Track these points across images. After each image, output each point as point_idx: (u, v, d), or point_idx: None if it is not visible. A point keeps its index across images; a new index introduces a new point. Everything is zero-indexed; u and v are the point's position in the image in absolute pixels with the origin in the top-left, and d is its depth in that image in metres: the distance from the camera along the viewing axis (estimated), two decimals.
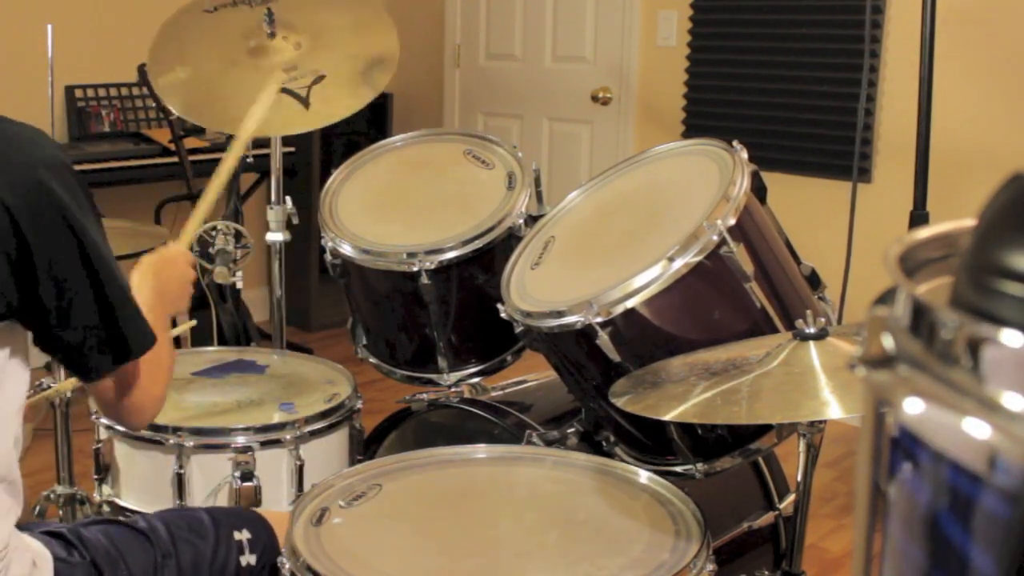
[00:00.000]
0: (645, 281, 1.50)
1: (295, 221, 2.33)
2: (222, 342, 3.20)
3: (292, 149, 3.84)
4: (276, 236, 2.33)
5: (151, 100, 3.78)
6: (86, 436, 1.93)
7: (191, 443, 1.72)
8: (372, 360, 2.12)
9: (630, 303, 1.50)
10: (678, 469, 1.63)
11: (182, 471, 1.72)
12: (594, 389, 1.64)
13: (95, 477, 1.86)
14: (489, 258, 1.89)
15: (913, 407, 0.47)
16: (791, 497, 1.87)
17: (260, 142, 2.97)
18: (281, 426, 1.77)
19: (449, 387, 2.02)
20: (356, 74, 2.12)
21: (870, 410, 0.51)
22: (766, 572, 1.76)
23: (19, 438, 1.25)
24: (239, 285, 2.23)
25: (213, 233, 2.19)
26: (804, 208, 3.44)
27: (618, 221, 1.73)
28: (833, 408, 1.18)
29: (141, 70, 3.34)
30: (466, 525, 1.39)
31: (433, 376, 2.03)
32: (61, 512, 2.03)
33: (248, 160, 3.18)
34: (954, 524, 0.47)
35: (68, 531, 1.33)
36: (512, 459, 1.59)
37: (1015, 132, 3.12)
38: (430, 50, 4.71)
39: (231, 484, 1.73)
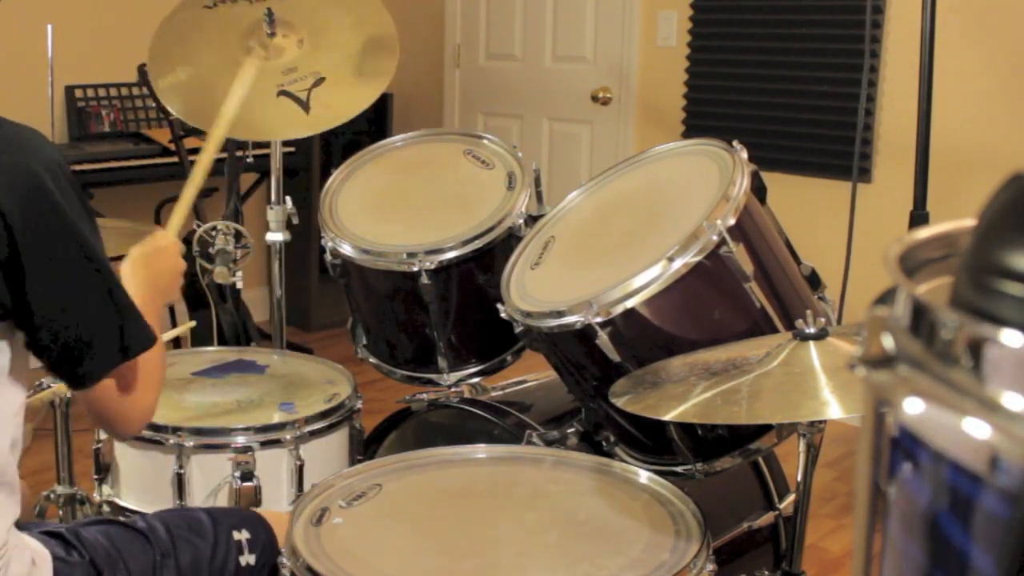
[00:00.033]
0: (645, 281, 1.50)
1: (295, 221, 2.33)
2: (222, 342, 3.20)
3: (292, 149, 3.84)
4: (276, 236, 2.32)
5: (151, 100, 3.78)
6: (86, 436, 1.93)
7: (191, 443, 1.72)
8: (372, 360, 2.12)
9: (630, 303, 1.50)
10: (678, 469, 1.63)
11: (182, 471, 1.72)
12: (594, 389, 1.64)
13: (95, 477, 1.86)
14: (489, 258, 1.89)
15: (913, 407, 0.47)
16: (791, 497, 1.87)
17: (260, 142, 2.98)
18: (281, 426, 1.77)
19: (449, 387, 2.02)
20: (356, 73, 2.12)
21: (870, 410, 0.51)
22: (766, 572, 1.76)
23: (17, 440, 1.25)
24: (239, 285, 2.23)
25: (213, 233, 2.19)
26: (804, 208, 3.44)
27: (618, 221, 1.73)
28: (833, 408, 1.18)
29: (141, 70, 3.34)
30: (466, 525, 1.39)
31: (433, 376, 2.03)
32: (61, 512, 2.03)
33: (248, 160, 3.19)
34: (954, 524, 0.47)
35: (67, 531, 1.33)
36: (512, 459, 1.59)
37: (1015, 132, 3.12)
38: (430, 50, 4.71)
39: (231, 484, 1.73)
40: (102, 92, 3.81)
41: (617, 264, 1.59)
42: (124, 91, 3.86)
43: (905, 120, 2.88)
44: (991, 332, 0.44)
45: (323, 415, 1.82)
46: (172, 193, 3.64)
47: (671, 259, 1.49)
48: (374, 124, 4.40)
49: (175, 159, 3.48)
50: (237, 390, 1.94)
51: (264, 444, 1.75)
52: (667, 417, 1.29)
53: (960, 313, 0.48)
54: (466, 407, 1.93)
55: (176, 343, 3.66)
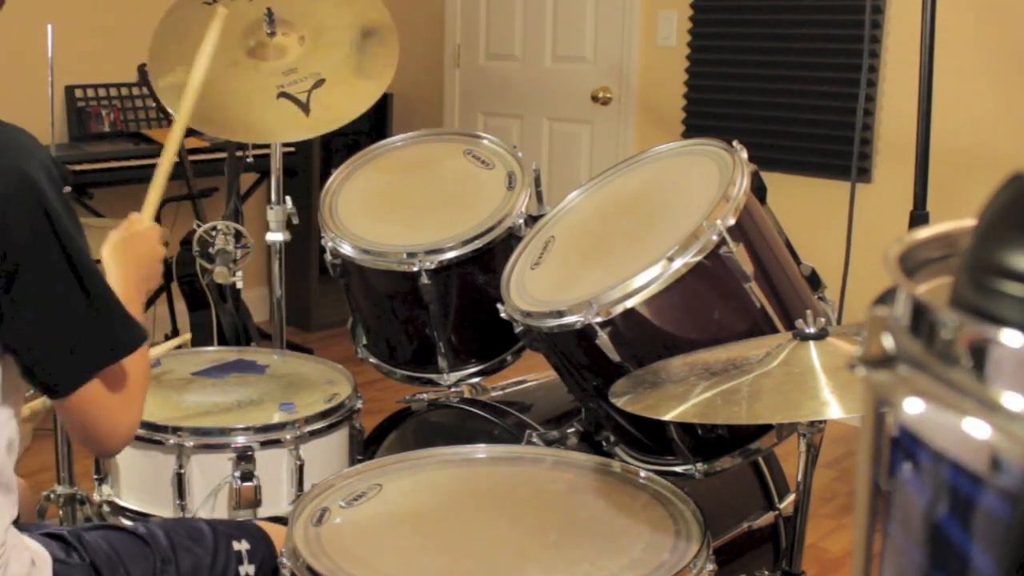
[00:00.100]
0: (645, 281, 1.50)
1: (295, 221, 2.33)
2: (222, 342, 3.20)
3: (292, 149, 3.84)
4: (276, 236, 2.33)
5: (151, 100, 3.78)
6: None
7: (191, 443, 1.72)
8: (372, 360, 2.12)
9: (630, 303, 1.50)
10: (678, 469, 1.63)
11: (182, 471, 1.72)
12: (594, 389, 1.64)
13: (95, 477, 1.86)
14: (489, 258, 1.89)
15: (913, 407, 0.47)
16: (791, 497, 1.87)
17: (260, 143, 2.98)
18: (281, 426, 1.77)
19: (449, 387, 2.02)
20: (356, 72, 2.11)
21: (870, 410, 0.51)
22: (766, 572, 1.76)
23: (14, 441, 1.24)
24: (239, 285, 2.23)
25: (213, 233, 2.20)
26: (804, 208, 3.44)
27: (618, 221, 1.73)
28: (833, 408, 1.18)
29: (141, 70, 3.34)
30: (466, 525, 1.39)
31: (433, 376, 2.03)
32: (61, 512, 2.03)
33: (248, 160, 3.19)
34: (954, 524, 0.47)
35: (68, 533, 1.33)
36: (512, 459, 1.59)
37: (1015, 132, 3.12)
38: (430, 50, 4.71)
39: (231, 484, 1.73)
40: (102, 92, 3.81)
41: (617, 264, 1.59)
42: (124, 91, 3.86)
43: (905, 120, 2.88)
44: (991, 332, 0.44)
45: (323, 415, 1.82)
46: (172, 193, 3.66)
47: (671, 259, 1.49)
48: (374, 124, 4.40)
49: (175, 159, 3.48)
50: (237, 390, 1.94)
51: (264, 444, 1.75)
52: (667, 417, 1.29)
53: (960, 313, 0.48)
54: (466, 407, 1.93)
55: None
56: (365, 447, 1.96)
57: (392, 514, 1.42)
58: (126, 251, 1.40)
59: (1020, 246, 0.47)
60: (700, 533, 1.33)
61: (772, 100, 3.64)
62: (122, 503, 1.81)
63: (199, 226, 2.20)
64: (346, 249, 1.93)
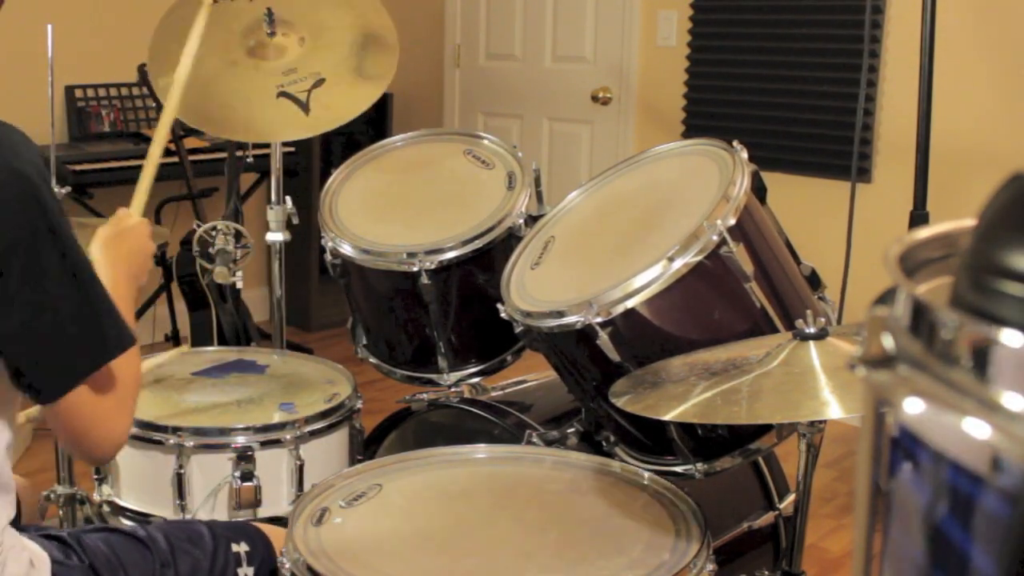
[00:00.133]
0: (645, 281, 1.50)
1: (295, 221, 2.33)
2: (222, 342, 3.20)
3: (292, 149, 3.84)
4: (276, 236, 2.32)
5: (151, 100, 3.78)
6: None
7: (191, 443, 1.72)
8: (372, 360, 2.12)
9: (630, 303, 1.50)
10: (678, 469, 1.63)
11: (182, 471, 1.72)
12: (594, 389, 1.64)
13: (95, 477, 1.86)
14: (489, 258, 1.89)
15: (913, 407, 0.47)
16: (791, 497, 1.87)
17: (260, 142, 2.98)
18: (281, 426, 1.77)
19: (449, 387, 2.02)
20: (356, 73, 2.12)
21: (870, 410, 0.51)
22: (766, 572, 1.76)
23: (11, 442, 1.23)
24: (239, 285, 2.23)
25: (213, 233, 2.19)
26: (804, 208, 3.44)
27: (618, 221, 1.73)
28: (833, 408, 1.18)
29: (141, 70, 3.34)
30: (466, 525, 1.39)
31: (433, 376, 2.03)
32: (61, 512, 2.03)
33: (248, 160, 3.19)
34: (954, 524, 0.47)
35: (68, 535, 1.33)
36: (512, 459, 1.59)
37: (1015, 132, 3.12)
38: (430, 50, 4.71)
39: (231, 484, 1.73)
40: (102, 92, 3.81)
41: (617, 264, 1.59)
42: (124, 91, 3.86)
43: (905, 120, 2.88)
44: (991, 332, 0.44)
45: (323, 415, 1.82)
46: (172, 193, 3.66)
47: (671, 259, 1.49)
48: (374, 124, 4.40)
49: (175, 159, 3.48)
50: (237, 390, 1.94)
51: (264, 444, 1.75)
52: (667, 417, 1.29)
53: (960, 313, 0.48)
54: (466, 407, 1.93)
55: (176, 342, 3.67)
56: (365, 447, 1.96)
57: (392, 514, 1.42)
58: (115, 247, 1.38)
59: (1020, 246, 0.47)
60: (700, 533, 1.33)
61: (772, 100, 3.64)
62: (122, 503, 1.81)
63: (199, 226, 2.20)
64: (346, 249, 1.93)
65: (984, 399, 0.44)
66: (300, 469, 1.77)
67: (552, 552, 1.33)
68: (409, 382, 2.08)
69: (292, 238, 2.38)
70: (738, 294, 1.54)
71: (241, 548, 1.42)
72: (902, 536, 0.51)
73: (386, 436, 2.05)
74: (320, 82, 2.07)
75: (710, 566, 1.29)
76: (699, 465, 1.62)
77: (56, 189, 2.27)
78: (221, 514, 1.73)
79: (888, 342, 0.50)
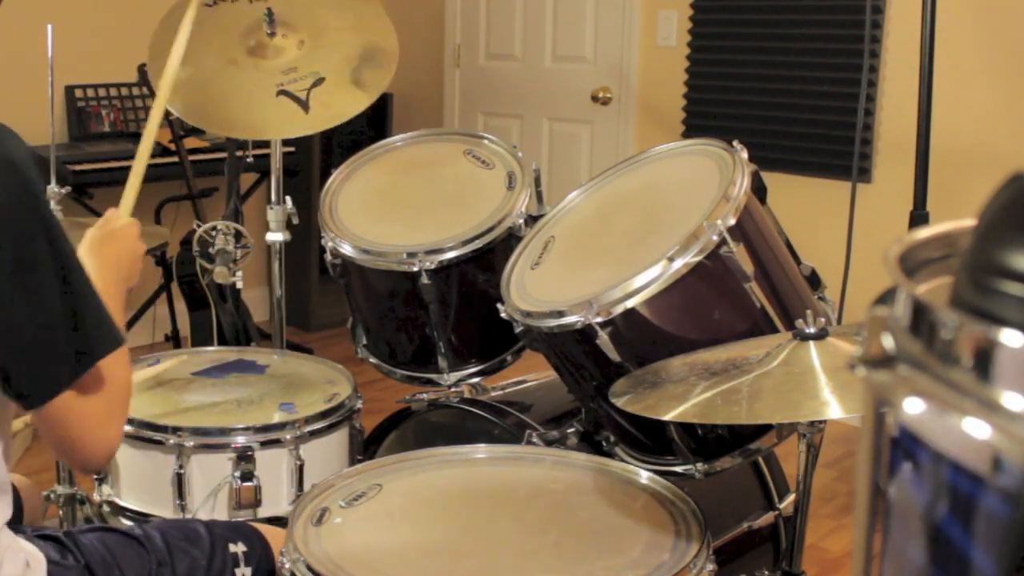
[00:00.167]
0: (645, 281, 1.50)
1: (295, 221, 2.33)
2: (222, 342, 3.20)
3: (292, 149, 3.84)
4: (276, 236, 2.32)
5: (151, 100, 3.78)
6: None
7: (191, 443, 1.72)
8: (372, 360, 2.12)
9: (630, 303, 1.50)
10: (678, 469, 1.63)
11: (182, 471, 1.72)
12: (594, 389, 1.63)
13: (95, 477, 1.86)
14: (489, 258, 1.89)
15: (913, 407, 0.47)
16: (791, 497, 1.87)
17: (260, 142, 2.98)
18: (281, 426, 1.77)
19: (449, 387, 2.02)
20: (353, 82, 2.11)
21: (870, 410, 0.51)
22: (766, 572, 1.76)
23: (7, 447, 1.23)
24: (239, 285, 2.23)
25: (213, 233, 2.20)
26: (804, 208, 3.44)
27: (618, 221, 1.73)
28: (833, 408, 1.18)
29: (141, 70, 3.34)
30: (466, 525, 1.39)
31: (433, 376, 2.03)
32: (61, 512, 2.03)
33: (248, 160, 3.19)
34: (954, 524, 0.47)
35: (64, 535, 1.32)
36: (512, 459, 1.59)
37: (1015, 132, 3.12)
38: (430, 50, 4.71)
39: (231, 484, 1.73)
40: (102, 92, 3.81)
41: (617, 264, 1.59)
42: (124, 91, 3.86)
43: (905, 120, 2.88)
44: (991, 332, 0.44)
45: (323, 415, 1.82)
46: (172, 193, 3.66)
47: (671, 259, 1.49)
48: (374, 124, 4.40)
49: (175, 159, 3.48)
50: (237, 390, 1.94)
51: (264, 444, 1.74)
52: (667, 417, 1.29)
53: (960, 313, 0.48)
54: (466, 407, 1.93)
55: (176, 342, 3.67)
56: (365, 447, 1.96)
57: (392, 514, 1.42)
58: (104, 250, 1.34)
59: (1020, 246, 0.47)
60: (700, 533, 1.33)
61: (772, 100, 3.64)
62: (122, 503, 1.81)
63: (199, 226, 2.20)
64: (346, 249, 1.93)
65: (984, 399, 0.44)
66: (300, 469, 1.77)
67: (552, 552, 1.33)
68: (409, 382, 2.08)
69: (292, 238, 2.38)
70: (738, 294, 1.54)
71: (239, 548, 1.42)
72: (902, 536, 0.51)
73: (386, 436, 2.05)
74: (320, 81, 2.08)
75: (710, 566, 1.29)
76: (699, 465, 1.62)
77: (56, 189, 2.27)
78: (221, 514, 1.73)
79: (888, 342, 0.50)
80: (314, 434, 1.79)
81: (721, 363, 1.39)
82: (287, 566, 1.27)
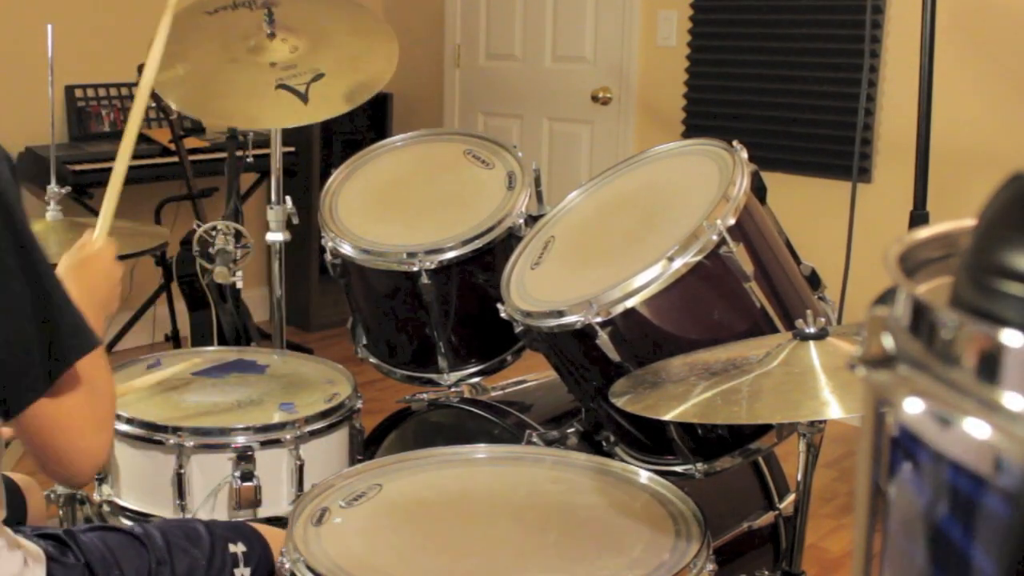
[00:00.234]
0: (645, 281, 1.50)
1: (295, 221, 2.33)
2: (222, 342, 3.20)
3: (292, 149, 3.84)
4: (276, 236, 2.33)
5: (151, 100, 3.78)
6: None
7: (191, 443, 1.72)
8: (372, 360, 2.12)
9: (630, 303, 1.50)
10: (678, 469, 1.63)
11: (182, 471, 1.72)
12: (594, 389, 1.64)
13: (95, 477, 1.86)
14: (489, 258, 1.89)
15: (913, 407, 0.47)
16: (791, 497, 1.87)
17: (260, 142, 2.98)
18: (281, 426, 1.77)
19: (449, 387, 2.02)
20: (348, 100, 2.11)
21: (870, 410, 0.51)
22: (766, 572, 1.76)
23: (3, 444, 1.23)
24: (239, 285, 2.24)
25: (213, 233, 2.20)
26: (804, 208, 3.44)
27: (618, 221, 1.73)
28: (833, 408, 1.18)
29: (141, 70, 3.34)
30: (466, 525, 1.39)
31: (433, 376, 2.03)
32: (61, 512, 2.03)
33: (248, 160, 3.19)
34: (954, 524, 0.47)
35: (64, 533, 1.32)
36: (512, 459, 1.59)
37: (1015, 132, 3.11)
38: (430, 50, 4.71)
39: (231, 484, 1.73)
40: (102, 92, 3.81)
41: (617, 264, 1.59)
42: (124, 91, 3.86)
43: (905, 120, 2.88)
44: (991, 332, 0.44)
45: (323, 415, 1.82)
46: (172, 193, 3.66)
47: (671, 259, 1.49)
48: (374, 124, 4.40)
49: (175, 159, 3.48)
50: (237, 390, 1.94)
51: (264, 444, 1.74)
52: (667, 417, 1.29)
53: (960, 313, 0.47)
54: (466, 407, 1.93)
55: (176, 342, 3.67)
56: (365, 447, 1.96)
57: (392, 514, 1.42)
58: (79, 277, 1.27)
59: (1020, 246, 0.47)
60: (700, 533, 1.33)
61: (772, 100, 3.64)
62: (122, 503, 1.81)
63: (199, 226, 2.20)
64: (346, 249, 1.93)
65: (984, 399, 0.44)
66: (300, 469, 1.77)
67: (552, 552, 1.33)
68: (409, 382, 2.08)
69: (292, 238, 2.38)
70: (738, 294, 1.54)
71: (239, 548, 1.42)
72: (902, 536, 0.51)
73: (386, 436, 2.05)
74: (319, 76, 2.07)
75: (710, 566, 1.29)
76: (699, 465, 1.62)
77: (56, 189, 2.27)
78: (221, 514, 1.73)
79: (888, 342, 0.50)
80: (314, 434, 1.79)
81: (721, 363, 1.39)
82: (287, 566, 1.27)
